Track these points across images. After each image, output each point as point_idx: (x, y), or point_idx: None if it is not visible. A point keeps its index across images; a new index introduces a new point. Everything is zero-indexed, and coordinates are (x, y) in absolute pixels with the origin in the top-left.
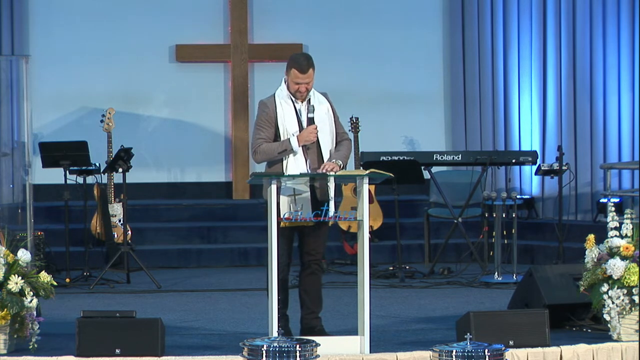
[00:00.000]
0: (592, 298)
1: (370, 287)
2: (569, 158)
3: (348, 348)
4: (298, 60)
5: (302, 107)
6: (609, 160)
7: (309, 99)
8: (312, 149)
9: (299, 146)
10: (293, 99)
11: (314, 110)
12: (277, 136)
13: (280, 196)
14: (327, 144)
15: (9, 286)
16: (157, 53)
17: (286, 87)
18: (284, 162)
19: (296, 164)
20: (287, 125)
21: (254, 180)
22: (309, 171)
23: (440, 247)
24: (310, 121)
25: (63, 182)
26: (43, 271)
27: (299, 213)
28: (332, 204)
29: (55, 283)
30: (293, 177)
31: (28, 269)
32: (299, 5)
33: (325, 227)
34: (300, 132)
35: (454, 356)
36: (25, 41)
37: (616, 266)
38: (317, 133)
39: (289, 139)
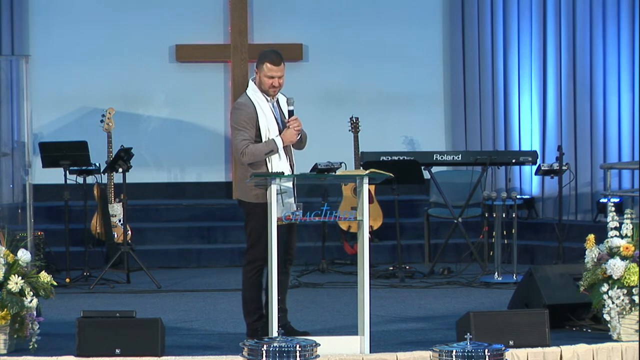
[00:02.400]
0: (592, 298)
1: (370, 287)
2: (569, 158)
3: (348, 348)
4: (269, 55)
5: (273, 104)
6: (609, 160)
7: (277, 99)
8: (288, 146)
9: (284, 146)
10: (267, 97)
11: (293, 102)
12: (256, 136)
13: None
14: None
15: (9, 286)
16: (157, 53)
17: (257, 86)
18: (269, 163)
19: (280, 163)
20: (269, 125)
21: (253, 181)
22: (290, 169)
23: (440, 247)
24: (290, 114)
25: (63, 182)
26: (43, 271)
27: (299, 213)
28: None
29: (55, 283)
30: (292, 177)
31: (28, 269)
32: (299, 5)
33: (296, 225)
34: (278, 130)
35: (454, 356)
36: (25, 41)
37: (616, 266)
38: (297, 132)
39: (274, 139)
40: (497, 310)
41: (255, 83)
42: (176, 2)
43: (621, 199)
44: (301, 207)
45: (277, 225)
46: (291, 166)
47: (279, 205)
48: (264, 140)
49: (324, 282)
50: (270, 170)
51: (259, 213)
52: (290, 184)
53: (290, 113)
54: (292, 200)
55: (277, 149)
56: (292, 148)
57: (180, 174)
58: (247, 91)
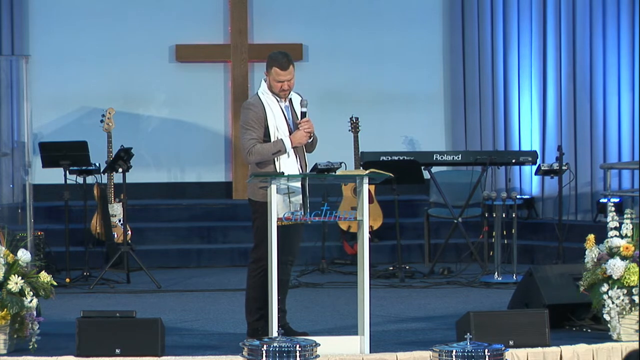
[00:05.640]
0: (592, 298)
1: (370, 287)
2: (569, 158)
3: (348, 348)
4: (277, 59)
5: (286, 105)
6: (609, 160)
7: (291, 99)
8: (300, 148)
9: (292, 147)
10: (277, 98)
11: (307, 104)
12: (265, 135)
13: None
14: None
15: (9, 286)
16: (157, 53)
17: (267, 87)
18: (277, 162)
19: (289, 163)
20: (278, 125)
21: (253, 181)
22: (301, 170)
23: (440, 247)
24: (303, 115)
25: (63, 182)
26: (43, 271)
27: (299, 213)
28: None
29: (55, 283)
30: (292, 177)
31: (28, 269)
32: (299, 5)
33: (303, 227)
34: (288, 130)
35: (454, 356)
36: (25, 41)
37: (616, 266)
38: (308, 134)
39: (282, 140)
40: (497, 310)
41: (266, 83)
42: (176, 2)
43: (621, 199)
44: (301, 206)
45: (283, 225)
46: (303, 167)
47: (285, 205)
48: (272, 140)
49: (324, 282)
50: (277, 170)
51: (265, 212)
52: (298, 184)
53: (303, 115)
54: (297, 200)
55: (285, 149)
56: (304, 150)
57: (180, 174)
58: (258, 91)
